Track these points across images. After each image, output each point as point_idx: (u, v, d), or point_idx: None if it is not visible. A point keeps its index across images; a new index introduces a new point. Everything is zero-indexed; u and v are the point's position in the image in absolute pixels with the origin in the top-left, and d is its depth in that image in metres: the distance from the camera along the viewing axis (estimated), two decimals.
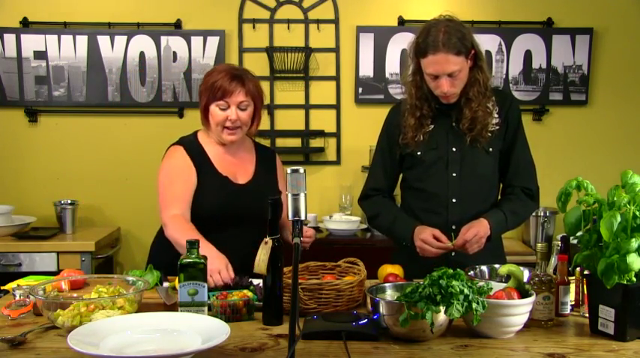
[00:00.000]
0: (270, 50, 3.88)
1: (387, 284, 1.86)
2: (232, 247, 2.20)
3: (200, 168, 2.35)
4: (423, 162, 2.35)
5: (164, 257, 2.25)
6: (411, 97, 2.33)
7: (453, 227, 2.30)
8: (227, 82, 2.31)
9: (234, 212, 2.32)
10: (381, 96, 3.92)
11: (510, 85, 3.93)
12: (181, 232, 2.16)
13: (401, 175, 2.48)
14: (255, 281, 2.02)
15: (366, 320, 1.69)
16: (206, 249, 2.02)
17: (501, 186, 2.43)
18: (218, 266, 2.02)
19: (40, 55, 3.84)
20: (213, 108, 2.33)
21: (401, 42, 3.83)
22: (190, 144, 2.40)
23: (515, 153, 2.35)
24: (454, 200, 2.32)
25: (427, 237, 2.23)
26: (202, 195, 2.32)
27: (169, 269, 2.13)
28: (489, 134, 2.30)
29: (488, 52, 3.83)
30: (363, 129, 3.86)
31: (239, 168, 2.42)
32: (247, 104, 2.34)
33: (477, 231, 2.20)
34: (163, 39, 3.87)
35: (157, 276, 2.11)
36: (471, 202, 2.32)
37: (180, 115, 3.93)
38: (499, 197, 2.43)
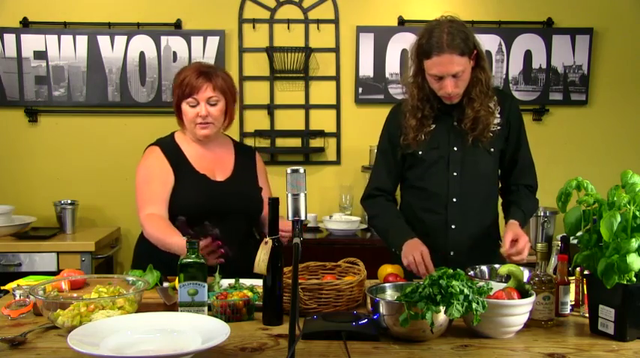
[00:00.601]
0: (270, 50, 3.88)
1: (387, 284, 1.87)
2: None
3: (177, 167, 2.36)
4: (424, 162, 2.35)
5: (150, 259, 2.23)
6: (413, 98, 2.32)
7: (453, 226, 2.30)
8: (194, 78, 2.33)
9: (214, 209, 2.31)
10: (381, 96, 3.91)
11: (510, 85, 3.92)
12: (158, 229, 2.21)
13: None
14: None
15: (366, 320, 1.69)
16: (176, 237, 2.10)
17: (501, 184, 2.44)
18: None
19: (40, 55, 3.83)
20: (184, 105, 2.36)
21: (401, 42, 3.84)
22: (166, 145, 2.43)
23: (522, 153, 2.37)
24: (454, 199, 2.32)
25: (412, 252, 2.20)
26: (181, 194, 2.33)
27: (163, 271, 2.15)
28: (491, 134, 2.30)
29: (488, 52, 3.82)
30: (363, 129, 3.86)
31: (217, 165, 2.43)
32: (217, 99, 2.35)
33: (526, 240, 2.15)
34: (163, 39, 3.86)
35: (157, 276, 2.12)
36: (471, 202, 2.33)
37: None
38: (499, 195, 2.44)
